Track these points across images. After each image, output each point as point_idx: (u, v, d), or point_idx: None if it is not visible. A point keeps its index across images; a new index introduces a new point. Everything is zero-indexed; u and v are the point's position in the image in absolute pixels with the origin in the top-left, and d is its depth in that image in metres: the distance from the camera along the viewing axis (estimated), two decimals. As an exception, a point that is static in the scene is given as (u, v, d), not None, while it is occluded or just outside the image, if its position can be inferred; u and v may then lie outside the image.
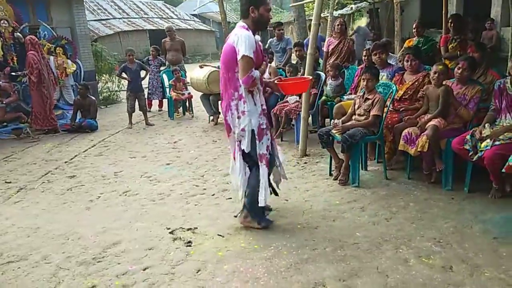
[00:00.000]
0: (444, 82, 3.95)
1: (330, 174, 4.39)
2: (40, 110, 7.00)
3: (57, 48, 7.83)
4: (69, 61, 7.96)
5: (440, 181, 3.91)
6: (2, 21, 7.27)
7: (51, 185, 4.61)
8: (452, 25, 5.84)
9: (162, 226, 3.40)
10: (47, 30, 8.15)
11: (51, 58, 7.77)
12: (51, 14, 9.42)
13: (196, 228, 3.33)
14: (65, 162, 5.48)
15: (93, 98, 7.58)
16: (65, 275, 2.74)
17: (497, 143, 3.37)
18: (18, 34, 7.44)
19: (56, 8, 9.49)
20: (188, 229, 3.31)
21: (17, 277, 2.75)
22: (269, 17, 2.98)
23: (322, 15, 4.80)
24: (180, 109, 8.48)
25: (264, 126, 3.09)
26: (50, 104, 7.12)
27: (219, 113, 7.31)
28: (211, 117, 7.37)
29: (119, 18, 24.17)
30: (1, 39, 7.27)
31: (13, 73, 7.28)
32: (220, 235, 3.18)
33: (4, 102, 7.18)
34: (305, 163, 4.89)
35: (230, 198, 3.91)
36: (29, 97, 7.52)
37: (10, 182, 4.75)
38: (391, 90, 4.19)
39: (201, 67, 7.54)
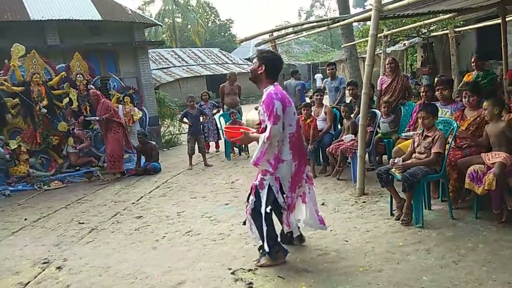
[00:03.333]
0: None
1: (391, 214, 4.27)
2: (118, 152, 7.41)
3: (125, 97, 8.50)
4: (136, 108, 8.59)
5: (511, 220, 3.69)
6: (78, 75, 8.07)
7: (120, 225, 4.90)
8: None
9: (223, 266, 3.48)
10: (116, 81, 8.90)
11: (120, 106, 8.44)
12: (119, 66, 10.31)
13: (257, 269, 3.37)
14: (132, 203, 5.81)
15: (153, 143, 8.06)
16: (135, 314, 2.87)
17: None
18: (91, 86, 8.19)
19: (124, 60, 10.39)
20: (249, 270, 3.36)
21: (91, 315, 2.93)
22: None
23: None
24: (236, 150, 8.75)
25: None
26: (126, 146, 7.70)
27: None
28: None
29: (179, 66, 25.74)
30: (77, 91, 8.05)
31: (87, 118, 7.89)
32: (281, 277, 3.19)
33: (77, 148, 7.84)
34: (364, 202, 4.81)
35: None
36: (100, 142, 8.17)
37: (83, 223, 5.11)
38: (452, 127, 4.09)
39: (256, 108, 7.83)
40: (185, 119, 8.01)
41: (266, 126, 3.16)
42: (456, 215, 4.07)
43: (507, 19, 6.34)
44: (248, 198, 3.43)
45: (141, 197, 6.08)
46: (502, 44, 6.07)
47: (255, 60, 3.33)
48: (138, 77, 10.44)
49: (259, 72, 3.27)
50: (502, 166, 3.57)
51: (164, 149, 10.35)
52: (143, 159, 7.89)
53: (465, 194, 4.29)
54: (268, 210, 3.27)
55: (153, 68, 20.84)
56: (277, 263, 3.37)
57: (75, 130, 7.92)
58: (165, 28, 35.63)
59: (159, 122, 11.03)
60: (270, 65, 3.27)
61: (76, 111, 8.05)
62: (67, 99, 7.96)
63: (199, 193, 6.01)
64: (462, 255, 3.27)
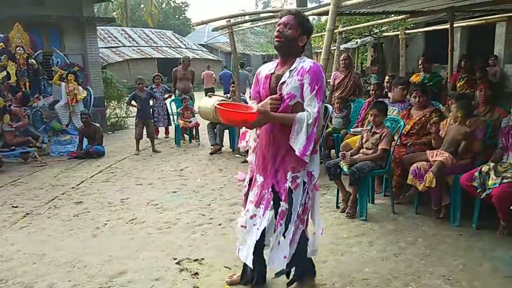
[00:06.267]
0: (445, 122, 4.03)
1: (337, 207, 4.38)
2: None
3: (69, 75, 7.99)
4: (80, 87, 8.11)
5: (448, 216, 3.90)
6: (18, 48, 7.48)
7: (58, 211, 4.61)
8: (465, 64, 5.96)
9: (168, 256, 3.38)
10: (60, 57, 8.33)
11: (63, 84, 7.94)
12: (64, 41, 9.68)
13: (203, 259, 3.30)
14: (72, 187, 5.50)
15: (98, 125, 7.67)
16: (71, 304, 2.71)
17: (505, 181, 3.38)
18: (32, 60, 7.63)
19: (70, 36, 9.76)
20: (195, 260, 3.29)
21: (22, 305, 2.73)
22: (275, 35, 2.54)
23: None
24: (187, 137, 8.57)
25: (251, 163, 2.76)
26: None
27: (222, 146, 7.40)
28: (212, 147, 7.40)
29: (129, 46, 24.74)
30: (16, 65, 7.46)
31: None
32: (227, 267, 3.15)
33: (14, 126, 7.27)
34: (312, 194, 4.88)
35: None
36: (39, 121, 7.67)
37: (16, 207, 4.76)
38: (399, 125, 4.24)
39: (209, 96, 7.71)
40: (133, 102, 7.69)
41: (292, 104, 2.44)
42: (397, 209, 4.24)
43: (455, 25, 6.66)
44: (276, 214, 2.54)
45: (82, 182, 5.76)
46: (449, 49, 6.36)
47: (289, 22, 2.46)
48: (84, 54, 9.86)
49: (299, 43, 2.50)
50: (441, 165, 3.74)
51: (109, 132, 9.91)
52: (85, 141, 7.48)
53: (407, 190, 4.47)
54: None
55: (100, 46, 19.86)
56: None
57: (12, 106, 7.33)
58: (116, 5, 34.02)
59: (105, 104, 10.54)
60: (309, 37, 2.61)
61: (14, 86, 7.46)
62: (5, 72, 7.36)
63: (146, 180, 5.80)
64: (402, 248, 3.41)
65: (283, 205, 2.51)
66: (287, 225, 2.53)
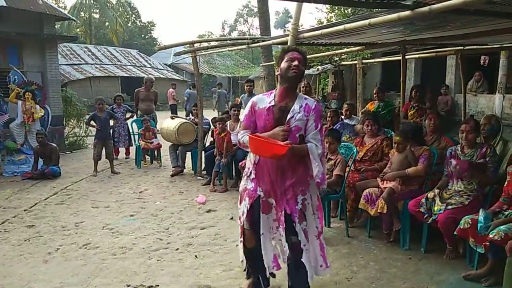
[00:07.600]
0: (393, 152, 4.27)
1: (294, 231, 4.45)
2: None
3: (26, 93, 7.77)
4: (37, 106, 7.89)
5: (398, 240, 4.06)
6: (-29, 64, 7.23)
7: (8, 234, 4.43)
8: (415, 94, 6.31)
9: (122, 283, 3.32)
10: (17, 74, 8.11)
11: (19, 102, 7.70)
12: (23, 58, 9.43)
13: (158, 285, 3.27)
14: (24, 210, 5.30)
15: (54, 145, 7.49)
16: (15, 335, 2.61)
17: (449, 207, 3.59)
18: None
19: (29, 52, 9.52)
20: (149, 287, 3.25)
21: (-39, 337, 2.59)
22: (290, 66, 2.66)
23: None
24: (148, 158, 8.48)
25: (247, 190, 2.85)
26: None
27: (184, 168, 7.38)
28: (173, 169, 7.38)
29: (92, 64, 24.36)
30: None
31: None
32: (182, 293, 3.14)
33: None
34: (270, 218, 4.94)
35: (196, 256, 3.88)
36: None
37: (-38, 231, 4.54)
38: (352, 152, 4.43)
39: (172, 118, 7.71)
40: (92, 122, 7.57)
41: (298, 136, 2.69)
42: (351, 233, 4.37)
43: (406, 56, 7.05)
44: (287, 238, 2.74)
45: (35, 204, 5.57)
46: (402, 79, 6.72)
47: (302, 60, 2.69)
48: (44, 72, 9.63)
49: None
50: (391, 192, 3.93)
51: (67, 152, 9.64)
52: (40, 161, 7.25)
53: (361, 214, 4.63)
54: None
55: (62, 63, 19.47)
56: None
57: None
58: (80, 22, 33.51)
59: (64, 122, 10.29)
60: None
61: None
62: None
63: (102, 203, 5.68)
64: (354, 272, 3.51)
65: (303, 225, 2.77)
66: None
